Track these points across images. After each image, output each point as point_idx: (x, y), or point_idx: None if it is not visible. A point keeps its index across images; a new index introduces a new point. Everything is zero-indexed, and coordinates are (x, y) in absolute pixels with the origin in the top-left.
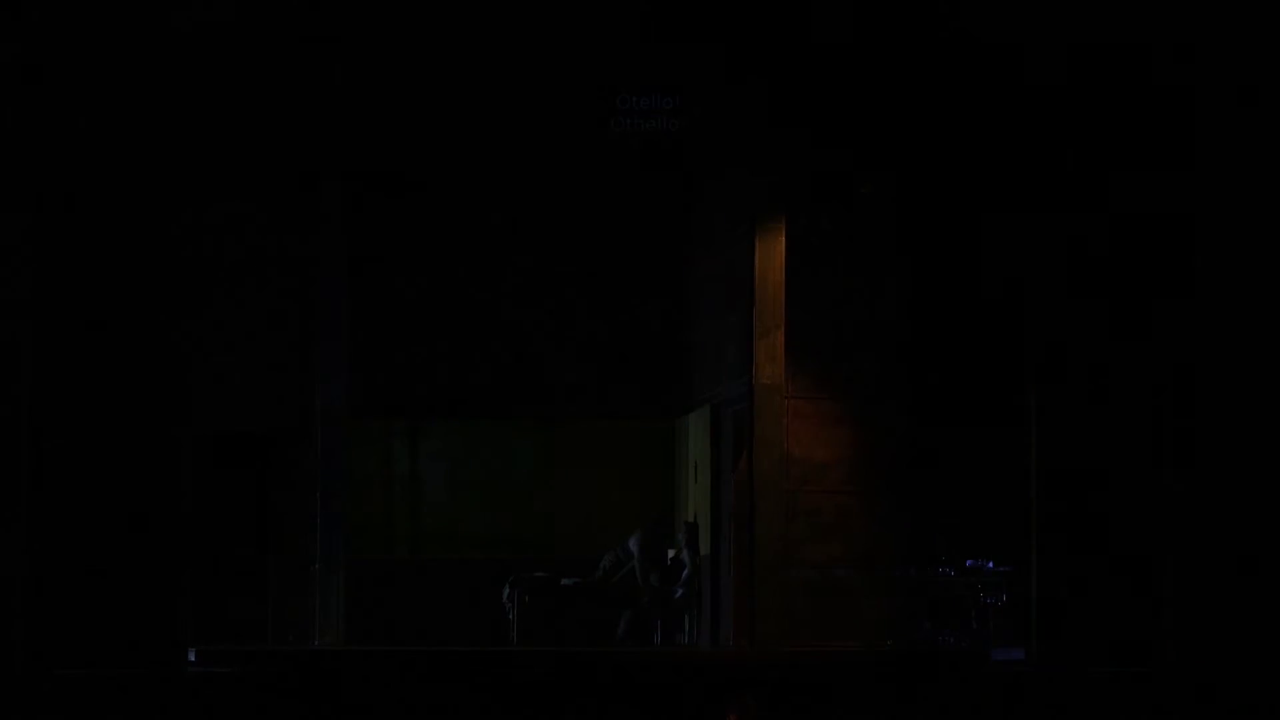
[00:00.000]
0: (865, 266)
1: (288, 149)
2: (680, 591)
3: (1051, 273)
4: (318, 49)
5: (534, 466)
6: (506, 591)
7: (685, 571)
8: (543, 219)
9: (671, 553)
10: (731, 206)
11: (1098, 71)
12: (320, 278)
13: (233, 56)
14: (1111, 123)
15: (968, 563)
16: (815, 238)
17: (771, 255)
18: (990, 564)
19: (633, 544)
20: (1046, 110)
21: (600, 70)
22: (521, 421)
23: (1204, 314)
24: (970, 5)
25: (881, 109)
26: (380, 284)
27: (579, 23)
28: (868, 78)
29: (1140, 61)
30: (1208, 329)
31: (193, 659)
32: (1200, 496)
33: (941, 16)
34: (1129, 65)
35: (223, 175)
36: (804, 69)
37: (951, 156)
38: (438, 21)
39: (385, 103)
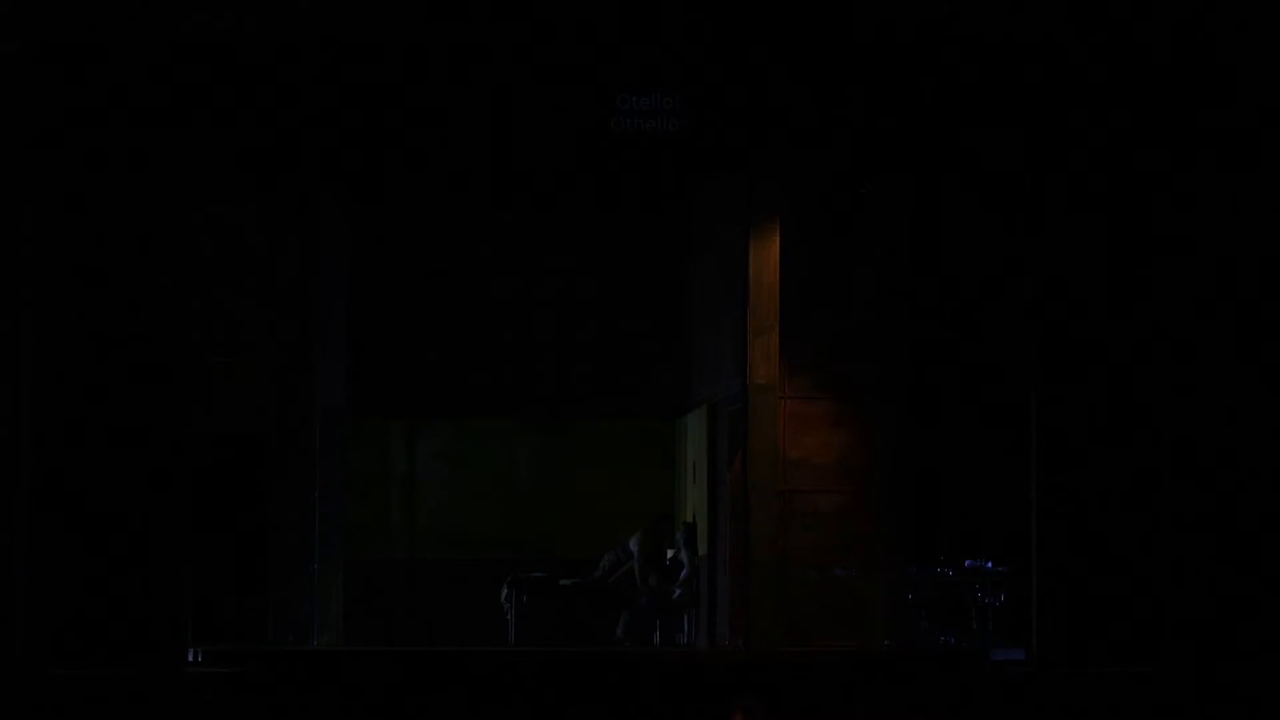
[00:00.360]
0: (863, 266)
1: (288, 149)
2: (678, 592)
3: (1051, 271)
4: (318, 49)
5: (534, 467)
6: (505, 591)
7: (684, 572)
8: (543, 218)
9: (670, 553)
10: (729, 207)
11: (1098, 71)
12: (320, 278)
13: (233, 57)
14: (1111, 122)
15: (966, 563)
16: (813, 238)
17: (766, 256)
18: (989, 564)
19: (633, 544)
20: (1046, 110)
21: (600, 70)
22: (521, 422)
23: (1205, 314)
24: (970, 6)
25: (882, 110)
26: (380, 284)
27: (579, 23)
28: (867, 78)
29: (1141, 61)
30: (1208, 329)
31: (193, 659)
32: (1200, 496)
33: (941, 17)
34: (1130, 65)
35: (223, 175)
36: (804, 69)
37: (951, 156)
38: (438, 21)
39: (385, 103)
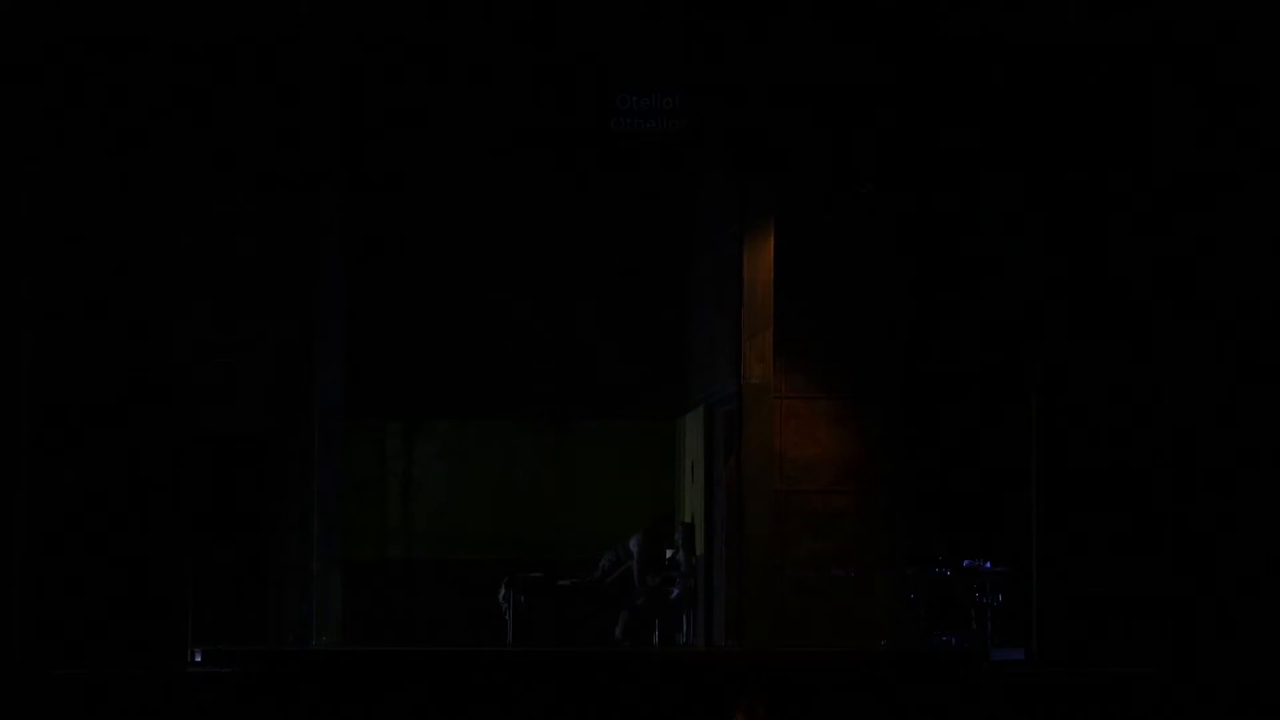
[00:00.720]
0: (861, 266)
1: (287, 148)
2: (676, 591)
3: (1051, 273)
4: (319, 48)
5: (532, 467)
6: (502, 591)
7: (681, 572)
8: (543, 218)
9: (670, 553)
10: (725, 208)
11: (1101, 74)
12: (318, 277)
13: (233, 56)
14: (1111, 124)
15: (965, 563)
16: (810, 238)
17: (760, 256)
18: (988, 564)
19: (633, 544)
20: (1046, 112)
21: (600, 70)
22: (520, 421)
23: (1204, 317)
24: (968, 6)
25: (881, 110)
26: (378, 284)
27: (579, 22)
28: (866, 79)
29: (1145, 65)
30: (1208, 331)
31: (198, 659)
32: (1200, 496)
33: (939, 16)
34: (1135, 68)
35: (222, 174)
36: (804, 69)
37: (951, 157)
38: (438, 21)
39: (386, 102)
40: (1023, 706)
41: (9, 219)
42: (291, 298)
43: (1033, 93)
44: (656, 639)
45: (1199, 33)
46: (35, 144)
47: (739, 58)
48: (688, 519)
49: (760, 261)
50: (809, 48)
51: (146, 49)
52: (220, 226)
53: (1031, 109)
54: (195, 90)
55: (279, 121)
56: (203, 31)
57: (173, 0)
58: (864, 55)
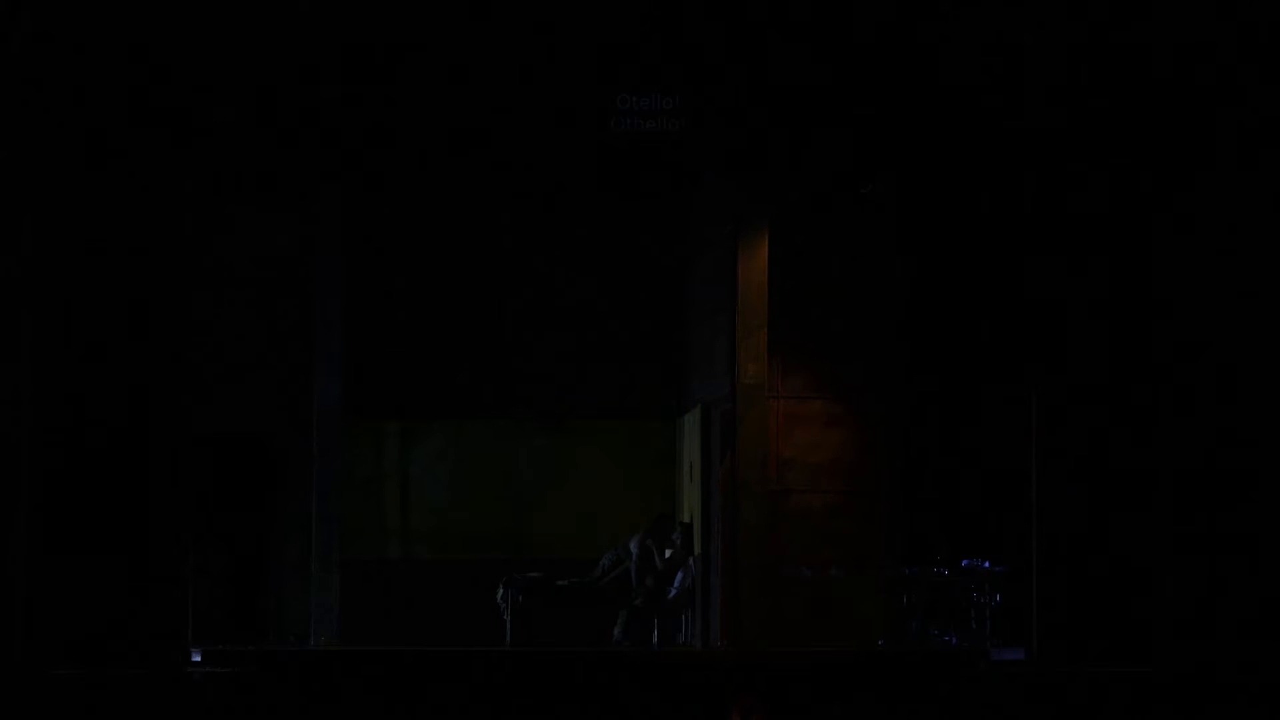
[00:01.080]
0: (858, 266)
1: (286, 150)
2: (673, 592)
3: (1049, 271)
4: (317, 51)
5: (533, 467)
6: (500, 591)
7: (680, 572)
8: (542, 218)
9: (668, 553)
10: (721, 208)
11: (1096, 73)
12: (317, 278)
13: (232, 58)
14: (1107, 124)
15: (964, 562)
16: (806, 238)
17: (755, 256)
18: (986, 564)
19: (633, 545)
20: (1043, 111)
21: (600, 70)
22: (519, 422)
23: (1203, 314)
24: (967, 8)
25: (880, 110)
26: (377, 284)
27: (579, 23)
28: (866, 80)
29: (1141, 62)
30: (1207, 328)
31: (198, 659)
32: (1200, 495)
33: (938, 19)
34: (1130, 66)
35: (222, 176)
36: (804, 69)
37: (948, 157)
38: (437, 21)
39: (385, 103)
40: (1023, 706)
41: (9, 220)
42: (291, 297)
43: (1032, 94)
44: (655, 639)
45: (1196, 32)
46: (37, 144)
47: (738, 58)
48: (687, 519)
49: (755, 262)
50: (809, 48)
51: (147, 49)
52: (221, 227)
53: (1031, 109)
54: (194, 93)
55: (278, 122)
56: (202, 32)
57: (172, 3)
58: (865, 56)
